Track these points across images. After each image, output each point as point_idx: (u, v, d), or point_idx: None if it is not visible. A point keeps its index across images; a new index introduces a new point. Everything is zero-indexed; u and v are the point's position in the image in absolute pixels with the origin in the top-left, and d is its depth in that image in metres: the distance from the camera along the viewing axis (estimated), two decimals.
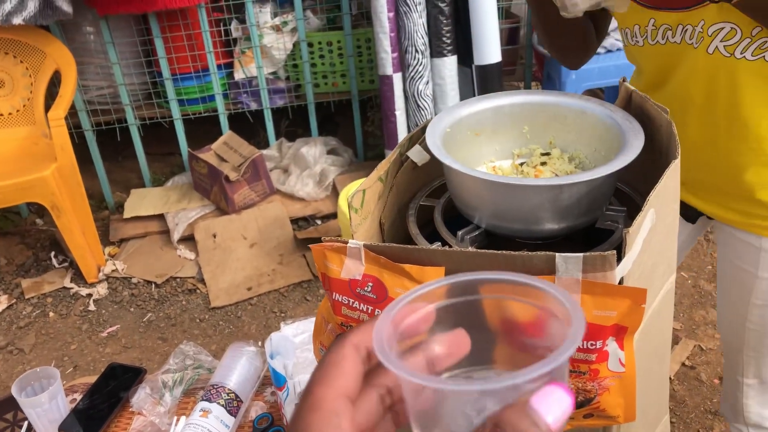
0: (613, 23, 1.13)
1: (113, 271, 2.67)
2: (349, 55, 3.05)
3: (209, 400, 1.15)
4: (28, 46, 2.61)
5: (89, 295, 2.58)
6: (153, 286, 2.62)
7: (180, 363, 1.34)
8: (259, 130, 3.26)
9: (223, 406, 1.15)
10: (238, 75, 3.08)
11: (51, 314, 2.51)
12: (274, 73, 3.11)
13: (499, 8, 2.79)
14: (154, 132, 3.12)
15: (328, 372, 0.39)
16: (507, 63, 3.08)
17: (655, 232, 0.73)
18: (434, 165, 0.91)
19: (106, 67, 2.94)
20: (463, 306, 0.41)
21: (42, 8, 2.47)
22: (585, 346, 0.70)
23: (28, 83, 2.64)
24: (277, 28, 2.99)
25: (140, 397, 1.24)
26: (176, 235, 2.78)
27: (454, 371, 0.41)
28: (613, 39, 2.75)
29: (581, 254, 0.66)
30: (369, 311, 0.77)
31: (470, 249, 0.81)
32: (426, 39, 2.63)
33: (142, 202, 2.98)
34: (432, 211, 0.92)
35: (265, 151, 3.06)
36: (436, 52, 2.68)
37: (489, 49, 2.64)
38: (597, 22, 1.12)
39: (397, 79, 2.71)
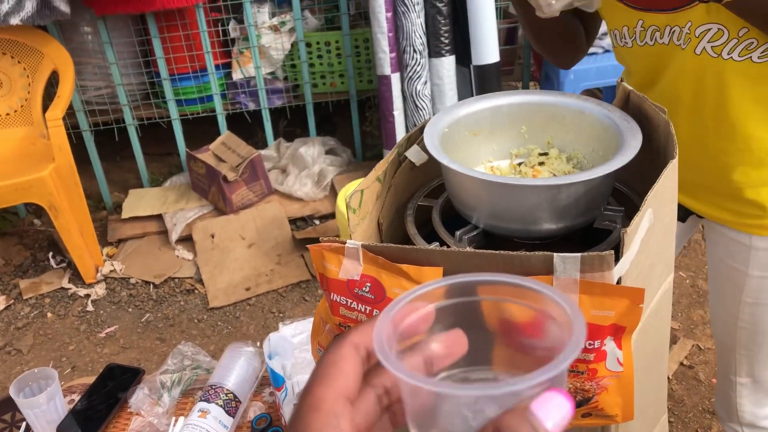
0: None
1: (111, 271, 2.67)
2: (348, 55, 3.05)
3: (207, 401, 1.15)
4: (25, 47, 2.60)
5: (87, 296, 2.58)
6: (151, 286, 2.61)
7: (178, 363, 1.33)
8: (257, 131, 3.26)
9: (221, 406, 1.15)
10: (236, 75, 3.08)
11: (49, 315, 2.51)
12: (272, 73, 3.11)
13: (497, 8, 2.79)
14: (152, 132, 3.12)
15: (327, 372, 0.39)
16: (505, 63, 3.08)
17: (652, 232, 0.73)
18: (432, 165, 0.91)
19: (103, 68, 2.94)
20: (461, 307, 0.41)
21: (39, 8, 2.46)
22: (583, 346, 0.70)
23: (26, 83, 2.64)
24: (275, 28, 2.99)
25: (138, 397, 1.24)
26: (174, 236, 2.78)
27: (452, 371, 0.41)
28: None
29: (579, 254, 0.67)
30: (367, 311, 0.77)
31: (468, 249, 0.81)
32: (424, 39, 2.63)
33: (140, 202, 2.98)
34: (430, 211, 0.92)
35: (263, 152, 3.06)
36: (434, 52, 2.68)
37: (487, 49, 2.65)
38: (587, 23, 1.13)
39: (396, 79, 2.71)
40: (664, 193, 0.76)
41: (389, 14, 2.60)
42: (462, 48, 2.69)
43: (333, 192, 2.93)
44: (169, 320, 2.45)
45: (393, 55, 2.68)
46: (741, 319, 1.12)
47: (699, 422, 1.89)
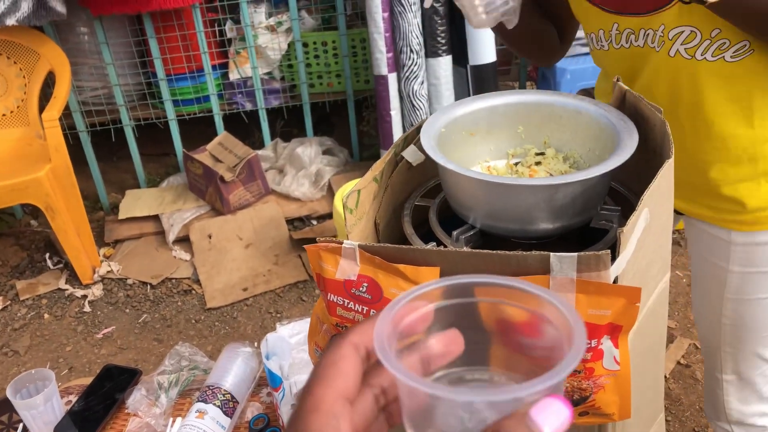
0: None
1: (108, 272, 2.67)
2: (344, 55, 3.05)
3: (205, 401, 1.15)
4: (21, 47, 2.60)
5: (84, 297, 2.57)
6: (148, 287, 2.61)
7: (175, 364, 1.33)
8: (254, 131, 3.26)
9: (218, 407, 1.15)
10: (233, 75, 3.08)
11: (46, 316, 2.51)
12: (269, 73, 3.11)
13: None
14: (148, 133, 3.11)
15: (327, 372, 0.39)
16: (502, 63, 3.09)
17: (649, 231, 0.74)
18: (429, 165, 0.91)
19: (100, 68, 2.94)
20: (459, 307, 0.41)
21: (35, 9, 2.46)
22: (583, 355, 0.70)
23: (22, 84, 2.63)
24: (271, 29, 2.99)
25: (136, 398, 1.24)
26: (171, 236, 2.78)
27: (449, 370, 0.41)
28: None
29: (576, 254, 0.67)
30: (364, 312, 0.77)
31: (465, 249, 0.81)
32: (421, 39, 2.64)
33: (137, 203, 2.97)
34: (427, 211, 0.92)
35: (260, 152, 3.06)
36: (431, 52, 2.68)
37: (484, 48, 2.65)
38: (561, 27, 1.15)
39: (392, 79, 2.71)
40: (661, 192, 0.76)
41: (386, 14, 2.60)
42: (459, 48, 2.69)
43: (330, 192, 2.93)
44: (166, 321, 2.45)
45: (390, 55, 2.68)
46: (725, 316, 1.12)
47: (696, 421, 1.89)
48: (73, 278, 2.64)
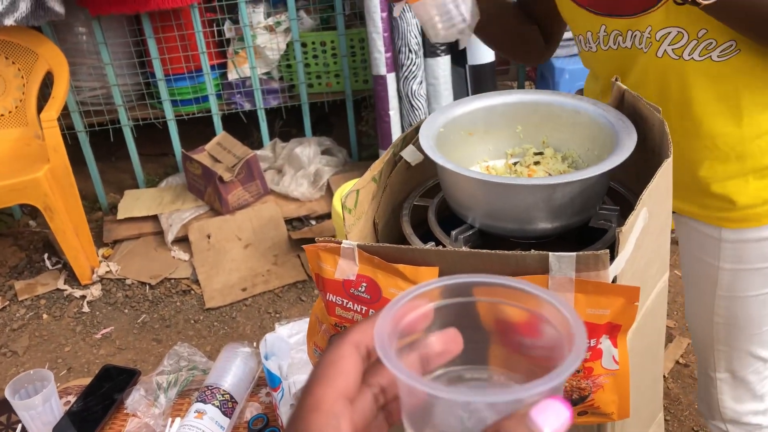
0: None
1: (107, 272, 2.67)
2: (343, 55, 3.04)
3: (204, 402, 1.15)
4: (19, 47, 2.60)
5: (83, 297, 2.57)
6: (147, 287, 2.61)
7: (174, 364, 1.33)
8: (253, 131, 3.26)
9: (217, 407, 1.15)
10: (232, 75, 3.08)
11: (44, 316, 2.50)
12: (267, 73, 3.10)
13: None
14: (147, 133, 3.11)
15: (327, 371, 0.39)
16: (500, 63, 3.09)
17: (647, 231, 0.74)
18: (428, 165, 0.91)
19: (98, 68, 2.93)
20: (458, 306, 0.42)
21: (34, 9, 2.45)
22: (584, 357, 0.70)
23: (20, 84, 2.63)
24: (270, 29, 2.99)
25: (135, 398, 1.24)
26: (170, 236, 2.77)
27: (448, 369, 0.41)
28: None
29: (574, 253, 0.67)
30: (363, 312, 0.77)
31: (464, 249, 0.81)
32: (419, 39, 2.64)
33: (135, 203, 2.97)
34: (426, 211, 0.92)
35: (259, 152, 3.05)
36: (429, 51, 2.68)
37: (482, 49, 2.65)
38: (548, 28, 1.16)
39: (391, 79, 2.71)
40: (659, 192, 0.76)
41: (384, 14, 2.60)
42: (457, 48, 2.69)
43: (329, 192, 2.92)
44: (165, 321, 2.45)
45: (388, 54, 2.68)
46: (716, 314, 1.13)
47: (695, 420, 1.89)
48: (72, 278, 2.64)
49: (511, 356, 0.42)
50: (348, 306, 0.78)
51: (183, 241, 2.78)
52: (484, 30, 1.12)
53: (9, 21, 2.42)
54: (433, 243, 0.85)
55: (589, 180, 0.78)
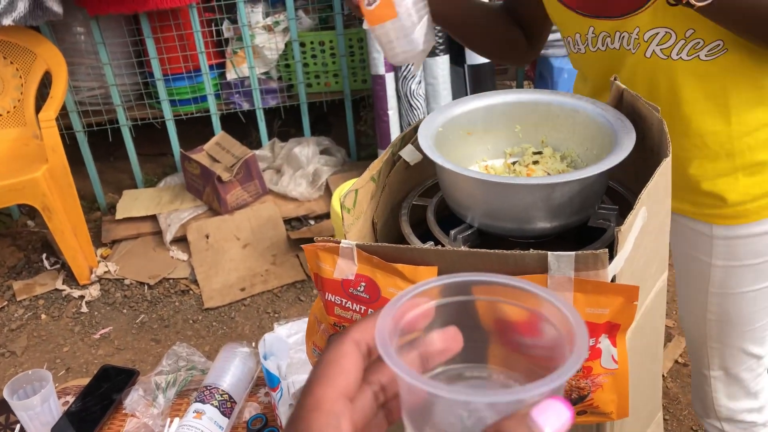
0: None
1: (105, 272, 2.66)
2: (342, 54, 3.04)
3: (203, 402, 1.15)
4: (18, 47, 2.59)
5: (81, 297, 2.57)
6: (146, 287, 2.61)
7: (173, 364, 1.33)
8: (252, 131, 3.25)
9: (216, 407, 1.15)
10: (230, 75, 3.07)
11: (43, 316, 2.50)
12: (266, 73, 3.10)
13: None
14: (145, 133, 3.11)
15: (328, 370, 0.39)
16: (499, 62, 3.08)
17: (646, 230, 0.74)
18: (427, 164, 0.91)
19: (97, 68, 2.93)
20: (459, 305, 0.42)
21: (32, 9, 2.45)
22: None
23: (19, 84, 2.63)
24: (268, 28, 2.99)
25: (133, 398, 1.23)
26: (169, 236, 2.77)
27: (447, 367, 0.41)
28: None
29: (573, 252, 0.67)
30: (362, 311, 0.77)
31: (463, 248, 0.81)
32: None
33: (134, 203, 2.97)
34: (424, 211, 0.92)
35: (257, 152, 3.05)
36: None
37: None
38: (534, 31, 1.17)
39: (390, 78, 2.71)
40: (658, 191, 0.76)
41: None
42: (456, 47, 2.69)
43: (328, 192, 2.92)
44: (163, 321, 2.45)
45: None
46: (709, 311, 1.13)
47: (694, 420, 1.89)
48: (70, 279, 2.64)
49: (510, 355, 0.42)
50: (347, 305, 0.78)
51: (181, 241, 2.78)
52: (466, 37, 1.14)
53: (7, 21, 2.42)
54: (432, 242, 0.85)
55: (588, 179, 0.78)
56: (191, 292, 2.57)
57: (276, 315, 2.43)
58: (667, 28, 0.93)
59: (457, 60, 2.72)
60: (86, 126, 2.99)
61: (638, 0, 0.91)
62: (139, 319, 2.46)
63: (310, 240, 0.79)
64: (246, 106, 3.10)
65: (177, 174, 3.12)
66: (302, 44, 3.04)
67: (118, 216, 2.89)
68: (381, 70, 2.69)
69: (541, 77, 3.00)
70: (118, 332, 2.41)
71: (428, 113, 1.17)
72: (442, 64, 2.70)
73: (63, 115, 2.85)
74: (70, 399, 1.27)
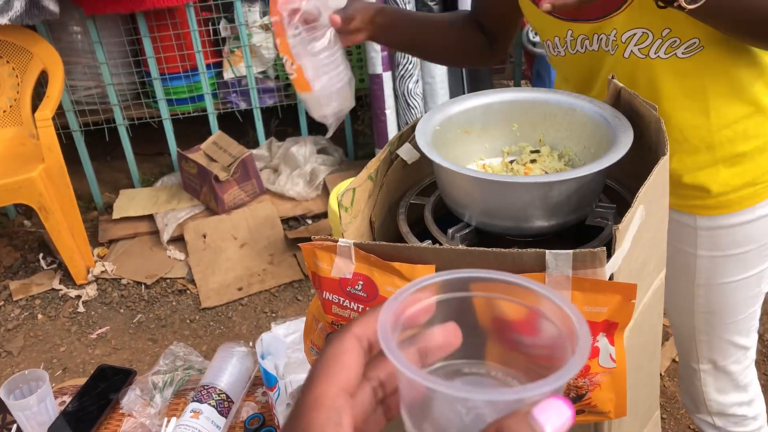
0: None
1: (102, 272, 2.66)
2: None
3: (200, 401, 1.15)
4: (14, 46, 2.59)
5: (78, 297, 2.56)
6: (143, 287, 2.60)
7: (170, 364, 1.33)
8: (249, 130, 3.25)
9: (213, 406, 1.14)
10: (227, 74, 3.07)
11: (40, 316, 2.49)
12: (263, 72, 3.10)
13: None
14: (142, 132, 3.10)
15: (329, 366, 0.39)
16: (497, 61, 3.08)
17: (644, 228, 0.74)
18: (424, 163, 0.91)
19: (93, 67, 2.92)
20: (458, 301, 0.42)
21: (28, 8, 2.45)
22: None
23: (15, 83, 2.62)
24: (266, 27, 2.98)
25: (130, 398, 1.23)
26: (166, 236, 2.77)
27: (446, 362, 0.41)
28: None
29: (571, 251, 0.67)
30: (359, 310, 0.77)
31: (461, 247, 0.80)
32: None
33: (131, 202, 2.96)
34: (422, 210, 0.92)
35: (254, 151, 3.05)
36: None
37: None
38: (499, 36, 1.20)
39: (387, 77, 2.71)
40: (656, 189, 0.76)
41: None
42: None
43: (325, 191, 2.92)
44: (160, 321, 2.44)
45: (385, 53, 2.67)
46: (696, 303, 1.15)
47: (691, 419, 1.89)
48: (67, 278, 2.63)
49: (508, 352, 0.42)
50: (344, 304, 0.78)
51: (178, 240, 2.78)
52: (422, 54, 1.17)
53: (3, 20, 2.41)
54: (430, 241, 0.85)
55: (586, 178, 0.78)
56: (188, 291, 2.57)
57: (273, 314, 2.42)
58: (644, 28, 0.95)
59: None
60: (83, 125, 2.98)
61: (614, 3, 0.94)
62: (136, 319, 2.46)
63: (308, 239, 0.78)
64: (243, 106, 3.10)
65: (174, 173, 3.11)
66: None
67: (115, 216, 2.89)
68: (378, 69, 2.68)
69: (539, 76, 3.00)
70: (115, 332, 2.40)
71: (426, 112, 1.18)
72: None
73: (59, 114, 2.84)
74: (67, 399, 1.27)
